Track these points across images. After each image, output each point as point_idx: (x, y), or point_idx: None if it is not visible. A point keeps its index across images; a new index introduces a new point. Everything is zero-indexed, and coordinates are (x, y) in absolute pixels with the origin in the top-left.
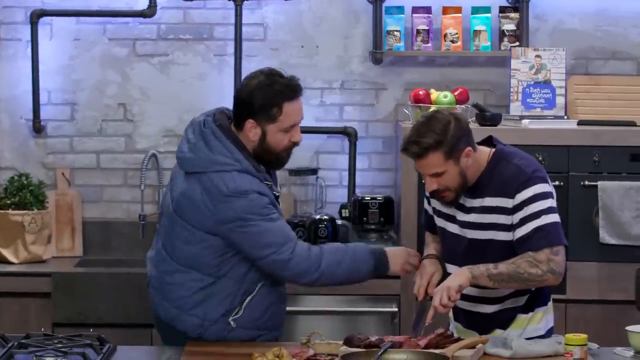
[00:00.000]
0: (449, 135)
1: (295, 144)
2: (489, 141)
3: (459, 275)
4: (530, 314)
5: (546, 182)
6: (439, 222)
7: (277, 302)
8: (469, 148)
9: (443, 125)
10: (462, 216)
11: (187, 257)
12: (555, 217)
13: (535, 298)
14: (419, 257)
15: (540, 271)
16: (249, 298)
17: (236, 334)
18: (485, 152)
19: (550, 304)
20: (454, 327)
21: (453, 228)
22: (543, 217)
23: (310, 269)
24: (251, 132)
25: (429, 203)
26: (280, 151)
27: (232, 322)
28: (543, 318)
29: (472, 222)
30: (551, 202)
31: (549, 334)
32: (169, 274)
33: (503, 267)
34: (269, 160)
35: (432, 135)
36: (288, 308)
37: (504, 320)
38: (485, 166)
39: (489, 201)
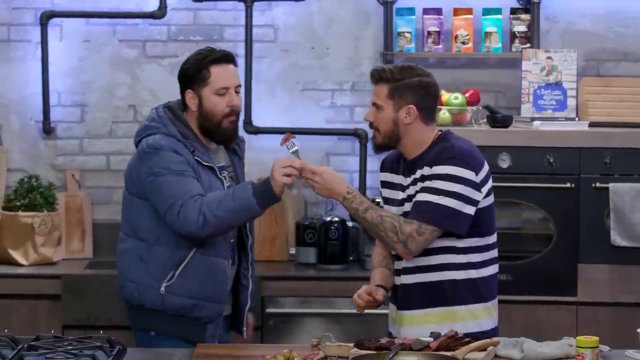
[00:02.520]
0: (406, 80)
1: (233, 109)
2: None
3: (338, 189)
4: (468, 307)
5: (470, 169)
6: (388, 209)
7: (215, 273)
8: (413, 107)
9: (410, 72)
10: (401, 195)
11: (130, 226)
12: (451, 202)
13: (468, 291)
14: (295, 164)
15: (396, 238)
16: (182, 265)
17: (171, 302)
18: (434, 134)
19: (494, 301)
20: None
21: (395, 210)
22: (441, 197)
23: (192, 215)
24: (191, 102)
25: (381, 194)
26: (221, 118)
27: (163, 289)
28: (485, 314)
29: (406, 197)
30: (459, 188)
31: (494, 331)
32: (120, 245)
33: (371, 215)
34: (210, 128)
35: (395, 71)
36: (298, 310)
37: (424, 295)
38: (428, 146)
39: (418, 172)
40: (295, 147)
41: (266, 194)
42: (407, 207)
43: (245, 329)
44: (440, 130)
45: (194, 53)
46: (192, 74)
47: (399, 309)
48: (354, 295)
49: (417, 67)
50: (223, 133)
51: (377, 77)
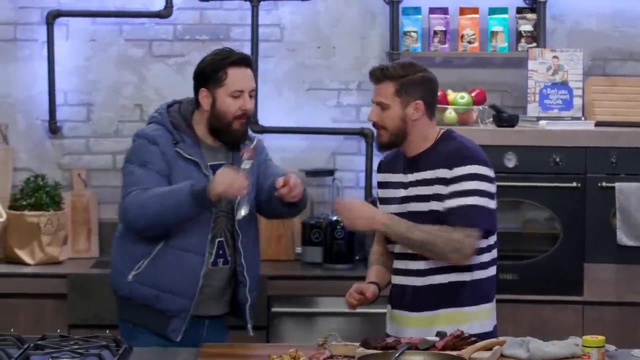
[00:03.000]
0: (410, 76)
1: (245, 113)
2: None
3: (378, 217)
4: (473, 308)
5: (487, 165)
6: (385, 208)
7: (183, 267)
8: (420, 102)
9: (413, 68)
10: (403, 192)
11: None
12: (483, 201)
13: (474, 292)
14: (244, 177)
15: (448, 248)
16: (151, 256)
17: (137, 290)
18: (437, 130)
19: (494, 302)
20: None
21: (394, 208)
22: (473, 197)
23: (133, 206)
24: (204, 101)
25: (377, 195)
26: (231, 119)
27: (131, 277)
28: (488, 314)
29: (412, 196)
30: (486, 186)
31: (494, 332)
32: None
33: (419, 234)
34: (220, 128)
35: (397, 69)
36: (304, 310)
37: (436, 297)
38: (432, 143)
39: (430, 173)
40: (248, 166)
41: (202, 197)
42: (414, 206)
43: (250, 326)
44: (441, 128)
45: (212, 52)
46: (209, 74)
47: (408, 311)
48: (346, 295)
49: (416, 62)
50: (233, 134)
51: (381, 75)
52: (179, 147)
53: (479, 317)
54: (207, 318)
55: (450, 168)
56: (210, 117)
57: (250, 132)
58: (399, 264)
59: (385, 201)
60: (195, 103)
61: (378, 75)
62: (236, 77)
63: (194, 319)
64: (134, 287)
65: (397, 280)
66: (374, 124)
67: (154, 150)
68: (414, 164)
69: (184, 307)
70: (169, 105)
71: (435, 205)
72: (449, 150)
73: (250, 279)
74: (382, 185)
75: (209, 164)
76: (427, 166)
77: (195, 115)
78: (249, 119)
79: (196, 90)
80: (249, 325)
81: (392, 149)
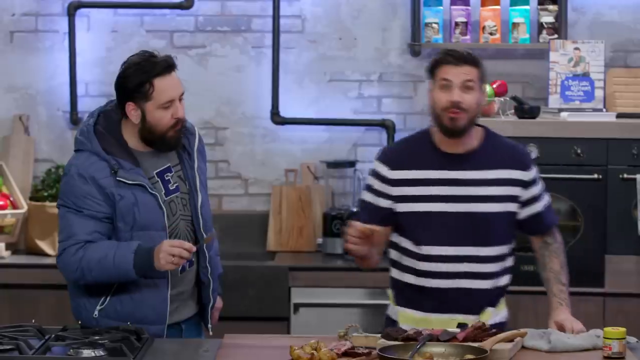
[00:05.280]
0: (483, 68)
1: (179, 120)
2: None
3: (569, 315)
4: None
5: None
6: (418, 207)
7: (145, 295)
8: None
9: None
10: (453, 191)
11: None
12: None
13: (504, 290)
14: (181, 246)
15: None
16: (112, 290)
17: (105, 325)
18: (477, 127)
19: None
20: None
21: (445, 206)
22: (546, 195)
23: (72, 266)
24: (132, 114)
25: (386, 196)
26: (165, 130)
27: (96, 313)
28: (502, 305)
29: (475, 196)
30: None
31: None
32: None
33: (564, 277)
34: (155, 140)
35: (475, 57)
36: (325, 301)
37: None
38: (481, 140)
39: (501, 173)
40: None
41: (145, 268)
42: (482, 207)
43: (210, 325)
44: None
45: (133, 62)
46: (134, 88)
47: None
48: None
49: None
50: (167, 143)
51: (462, 59)
52: (119, 175)
53: (498, 309)
54: (182, 322)
55: (525, 170)
56: (142, 129)
57: (190, 125)
58: (436, 267)
59: (408, 199)
60: (123, 113)
61: (464, 56)
62: (164, 87)
63: (170, 327)
64: (102, 322)
65: (436, 283)
66: (456, 106)
67: (90, 191)
68: (467, 160)
69: (157, 333)
70: (95, 123)
71: (512, 207)
72: (516, 152)
73: (213, 280)
74: (405, 182)
75: (154, 172)
76: (491, 164)
77: (123, 124)
78: (184, 124)
79: (121, 102)
80: (210, 326)
81: (461, 137)
